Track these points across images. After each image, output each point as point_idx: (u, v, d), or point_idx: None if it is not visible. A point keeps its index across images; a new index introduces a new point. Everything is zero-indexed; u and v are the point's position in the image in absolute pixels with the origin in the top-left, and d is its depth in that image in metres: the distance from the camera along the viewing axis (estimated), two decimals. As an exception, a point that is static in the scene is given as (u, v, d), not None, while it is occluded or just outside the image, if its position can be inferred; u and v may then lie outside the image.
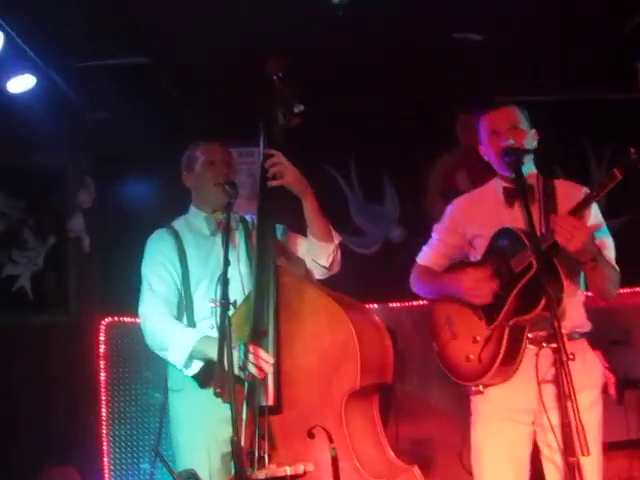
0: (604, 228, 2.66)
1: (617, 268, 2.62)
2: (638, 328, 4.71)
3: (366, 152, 4.71)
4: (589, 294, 2.70)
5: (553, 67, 4.34)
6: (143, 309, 2.71)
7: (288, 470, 2.22)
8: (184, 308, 2.72)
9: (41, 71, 3.82)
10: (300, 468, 2.23)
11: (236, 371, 2.28)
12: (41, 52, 3.74)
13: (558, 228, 2.38)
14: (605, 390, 2.77)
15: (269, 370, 2.30)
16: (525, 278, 2.47)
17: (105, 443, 4.18)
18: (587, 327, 2.67)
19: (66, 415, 4.25)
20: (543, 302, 2.37)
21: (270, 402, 2.30)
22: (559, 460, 2.49)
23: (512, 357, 2.54)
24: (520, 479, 2.62)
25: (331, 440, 2.25)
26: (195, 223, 2.84)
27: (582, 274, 2.65)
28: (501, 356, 2.53)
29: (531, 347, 2.54)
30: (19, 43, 3.56)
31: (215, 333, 2.24)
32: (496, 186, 2.77)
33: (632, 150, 2.31)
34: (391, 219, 4.83)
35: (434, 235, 2.90)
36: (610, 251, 2.65)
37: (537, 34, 3.90)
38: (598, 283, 2.59)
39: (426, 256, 2.90)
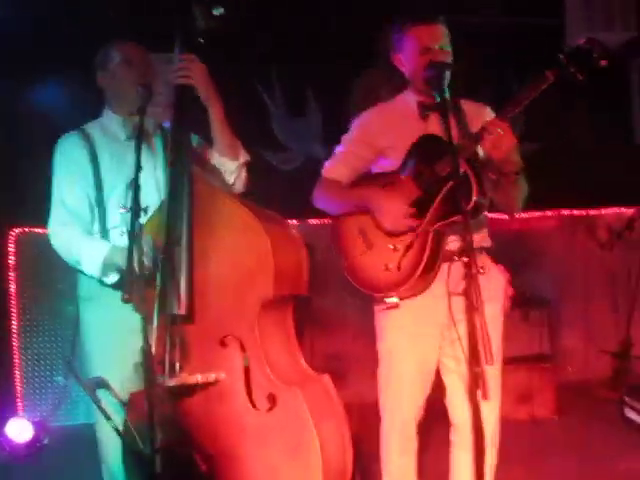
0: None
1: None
2: (545, 251, 4.91)
3: (289, 65, 4.60)
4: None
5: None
6: (53, 225, 2.63)
7: (199, 378, 2.22)
8: (97, 216, 2.64)
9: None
10: (211, 376, 2.24)
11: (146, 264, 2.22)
12: None
13: (486, 134, 2.39)
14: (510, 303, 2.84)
15: None
16: (449, 183, 2.44)
17: (17, 356, 4.10)
18: (489, 242, 2.73)
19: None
20: (472, 204, 2.39)
21: (182, 311, 2.28)
22: (464, 371, 2.54)
23: (433, 263, 2.55)
24: (424, 392, 2.69)
25: (243, 349, 2.26)
26: (109, 127, 2.73)
27: None
28: (424, 262, 2.52)
29: (445, 262, 2.56)
30: None
31: (125, 240, 2.18)
32: (408, 100, 2.74)
33: (561, 55, 2.36)
34: (313, 134, 4.78)
35: (341, 147, 2.82)
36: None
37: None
38: (511, 196, 2.61)
39: (333, 169, 2.81)
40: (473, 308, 2.27)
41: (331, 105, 4.72)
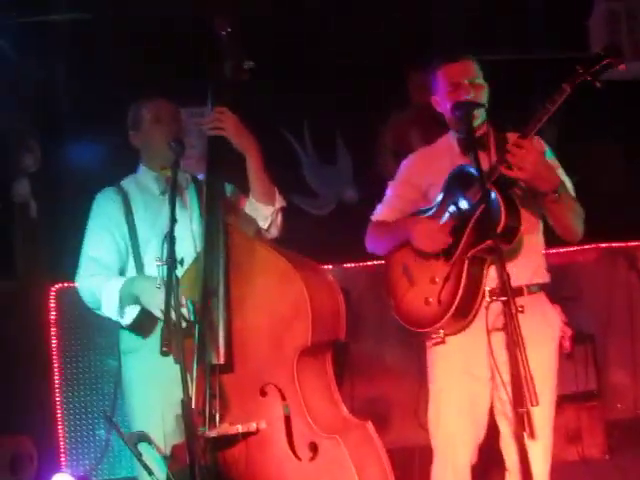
0: (560, 170, 2.64)
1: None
2: (587, 285, 4.82)
3: (319, 113, 4.66)
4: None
5: (505, 25, 4.34)
6: (80, 275, 2.69)
7: (240, 428, 2.22)
8: (135, 270, 2.68)
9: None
10: (252, 426, 2.23)
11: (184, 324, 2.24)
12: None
13: (508, 155, 2.39)
14: (560, 344, 2.79)
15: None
16: (479, 208, 2.45)
17: (59, 411, 4.12)
18: (546, 277, 2.67)
19: (17, 384, 4.16)
20: (502, 225, 2.38)
21: (221, 360, 2.28)
22: (509, 412, 2.50)
23: (470, 298, 2.53)
24: (477, 434, 2.63)
25: (283, 397, 2.25)
26: (144, 182, 2.79)
27: (541, 223, 2.65)
28: (460, 294, 2.50)
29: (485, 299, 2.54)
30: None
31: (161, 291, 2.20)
32: (450, 139, 2.77)
33: (579, 67, 2.35)
34: (344, 180, 4.82)
35: (388, 191, 2.88)
36: (570, 188, 2.63)
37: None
38: (563, 219, 2.57)
39: (381, 212, 2.87)
40: (514, 347, 2.24)
41: (361, 150, 4.76)
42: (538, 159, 2.40)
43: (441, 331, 2.59)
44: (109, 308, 2.57)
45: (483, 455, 2.65)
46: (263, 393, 2.27)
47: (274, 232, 2.72)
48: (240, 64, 2.53)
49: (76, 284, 2.68)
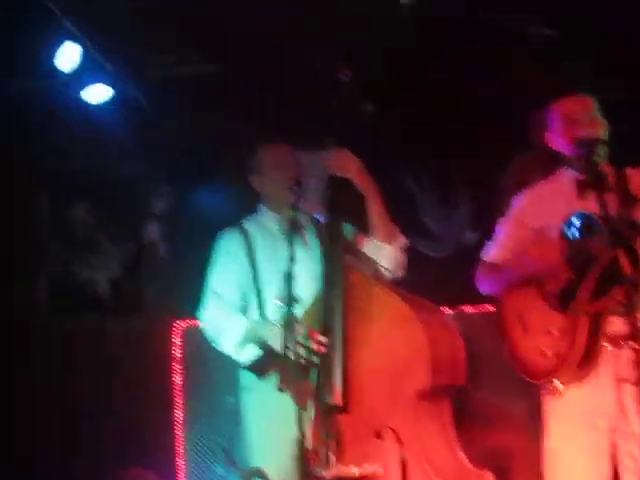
0: None
1: None
2: None
3: (440, 156, 4.64)
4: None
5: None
6: (202, 310, 2.79)
7: (356, 471, 2.19)
8: (257, 308, 2.75)
9: (116, 82, 3.95)
10: (368, 469, 2.21)
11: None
12: (116, 62, 3.86)
13: None
14: None
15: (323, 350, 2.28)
16: (605, 260, 2.36)
17: (180, 445, 4.23)
18: None
19: (142, 419, 4.31)
20: (619, 288, 2.28)
21: (337, 401, 2.28)
22: None
23: (591, 349, 2.42)
24: None
25: (400, 441, 2.21)
26: (266, 223, 2.88)
27: None
28: (580, 349, 2.40)
29: (609, 346, 2.43)
30: (94, 55, 3.70)
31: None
32: (566, 177, 2.68)
33: None
34: (465, 223, 4.75)
35: (499, 229, 2.81)
36: None
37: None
38: None
39: (491, 252, 2.79)
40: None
41: (482, 190, 4.68)
42: None
43: (559, 383, 2.48)
44: (229, 341, 2.65)
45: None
46: (379, 436, 2.25)
47: (399, 271, 2.72)
48: (360, 110, 2.58)
49: (199, 317, 2.78)
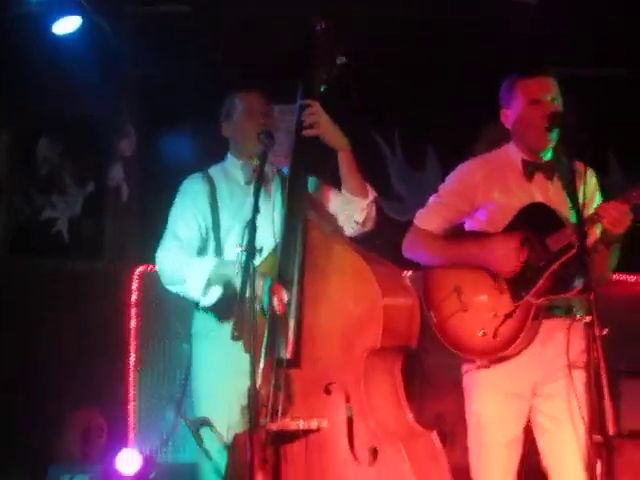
0: None
1: None
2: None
3: (411, 118, 4.62)
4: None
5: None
6: (162, 252, 2.73)
7: (301, 424, 2.21)
8: (213, 255, 2.73)
9: (86, 13, 3.83)
10: (313, 424, 2.22)
11: (257, 306, 2.25)
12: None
13: (607, 215, 2.36)
14: None
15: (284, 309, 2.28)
16: (564, 257, 2.39)
17: (132, 389, 4.23)
18: None
19: (94, 361, 4.30)
20: (581, 284, 2.29)
21: (289, 355, 2.28)
22: (563, 432, 2.46)
23: (532, 336, 2.49)
24: (518, 458, 2.57)
25: (348, 398, 2.23)
26: (231, 171, 2.84)
27: None
28: (524, 333, 2.45)
29: (561, 319, 2.48)
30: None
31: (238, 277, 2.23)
32: (512, 155, 2.66)
33: None
34: (431, 187, 4.74)
35: (437, 197, 2.74)
36: None
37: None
38: (607, 267, 2.56)
39: (428, 219, 2.72)
40: (596, 372, 2.15)
41: (450, 157, 4.67)
42: (630, 222, 2.38)
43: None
44: (194, 285, 2.60)
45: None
46: (328, 391, 2.26)
47: (369, 224, 2.72)
48: (333, 61, 2.53)
49: (156, 257, 2.73)
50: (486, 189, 2.64)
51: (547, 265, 2.44)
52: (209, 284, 2.58)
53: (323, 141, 2.56)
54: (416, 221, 2.76)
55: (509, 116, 2.65)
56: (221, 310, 2.63)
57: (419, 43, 4.17)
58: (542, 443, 2.55)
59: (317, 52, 2.54)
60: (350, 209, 2.67)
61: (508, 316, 2.48)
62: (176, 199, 2.82)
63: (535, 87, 2.59)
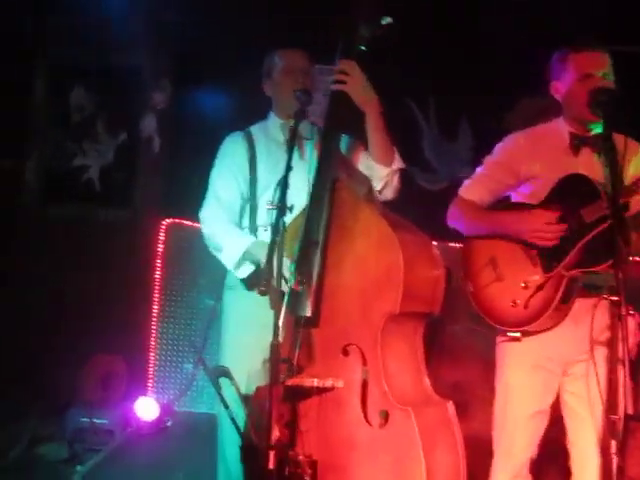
0: None
1: None
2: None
3: (447, 88, 4.55)
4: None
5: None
6: (204, 213, 2.79)
7: (315, 382, 2.23)
8: (249, 212, 2.77)
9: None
10: (328, 382, 2.23)
11: (284, 284, 2.27)
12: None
13: None
14: None
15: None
16: (596, 230, 2.35)
17: (153, 339, 4.29)
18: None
19: (120, 309, 4.37)
20: (612, 259, 2.24)
21: (308, 313, 2.30)
22: (588, 414, 2.44)
23: (562, 308, 2.45)
24: (541, 432, 2.57)
25: (364, 361, 2.24)
26: (271, 129, 2.85)
27: None
28: (554, 305, 2.43)
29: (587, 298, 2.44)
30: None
31: (269, 235, 2.24)
32: (560, 129, 2.61)
33: None
34: (463, 158, 4.70)
35: (483, 169, 2.73)
36: None
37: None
38: None
39: (471, 190, 2.72)
40: (616, 351, 2.14)
41: (484, 132, 4.61)
42: None
43: (518, 332, 2.52)
44: (228, 259, 2.67)
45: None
46: (345, 352, 2.27)
47: (389, 194, 2.68)
48: (376, 19, 2.47)
49: (200, 218, 2.79)
50: (531, 162, 2.61)
51: (579, 237, 2.41)
52: (241, 262, 2.64)
53: (353, 100, 2.52)
54: (460, 191, 2.77)
55: (560, 89, 2.61)
56: (254, 281, 2.66)
57: (454, 12, 4.10)
58: (569, 423, 2.55)
59: (360, 10, 2.49)
60: (371, 174, 2.65)
61: (539, 287, 2.46)
62: (217, 158, 2.84)
63: (587, 62, 2.54)
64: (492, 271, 2.59)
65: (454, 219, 2.75)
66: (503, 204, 2.71)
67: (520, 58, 4.31)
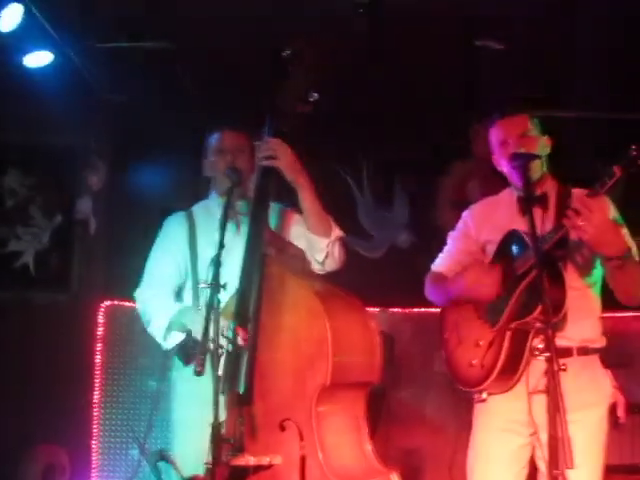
0: (625, 231, 2.51)
1: None
2: (637, 353, 4.61)
3: (379, 156, 4.67)
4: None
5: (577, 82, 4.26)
6: (138, 290, 2.82)
7: (252, 460, 2.17)
8: (191, 290, 2.77)
9: (59, 48, 3.85)
10: (265, 460, 2.18)
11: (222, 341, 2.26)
12: (60, 29, 3.76)
13: (569, 214, 2.27)
14: (613, 411, 2.66)
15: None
16: (526, 280, 2.41)
17: (95, 426, 4.17)
18: (601, 343, 2.59)
19: (59, 396, 4.23)
20: (540, 307, 2.28)
21: (241, 390, 2.27)
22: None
23: (513, 364, 2.48)
24: None
25: (302, 435, 2.20)
26: (211, 207, 2.89)
27: (598, 284, 2.57)
28: (501, 361, 2.47)
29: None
30: (39, 18, 3.59)
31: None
32: (510, 195, 2.71)
33: (633, 147, 2.20)
34: (399, 224, 4.79)
35: (448, 242, 2.87)
36: (635, 252, 2.49)
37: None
38: (625, 285, 2.45)
39: (440, 263, 2.86)
40: (553, 408, 2.15)
41: (418, 194, 4.73)
42: (604, 221, 2.27)
43: (484, 393, 2.57)
44: (156, 329, 2.69)
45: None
46: (282, 428, 2.22)
47: (332, 265, 2.69)
48: (304, 96, 2.50)
49: (135, 297, 2.81)
50: (486, 229, 2.71)
51: (514, 289, 2.46)
52: (170, 329, 2.64)
53: (284, 177, 2.56)
54: (432, 265, 2.89)
55: (496, 161, 2.71)
56: (185, 352, 2.66)
57: (386, 81, 4.23)
58: None
59: (287, 86, 2.50)
60: (311, 247, 2.67)
61: (490, 344, 2.51)
62: (157, 237, 2.87)
63: (502, 129, 2.64)
64: (456, 336, 2.67)
65: (427, 291, 2.85)
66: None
67: (452, 121, 4.47)
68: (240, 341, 2.28)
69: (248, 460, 2.16)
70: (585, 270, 2.51)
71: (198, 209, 2.89)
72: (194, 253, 2.77)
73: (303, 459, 2.18)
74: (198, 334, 2.43)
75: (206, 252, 2.71)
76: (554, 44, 3.85)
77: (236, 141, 2.85)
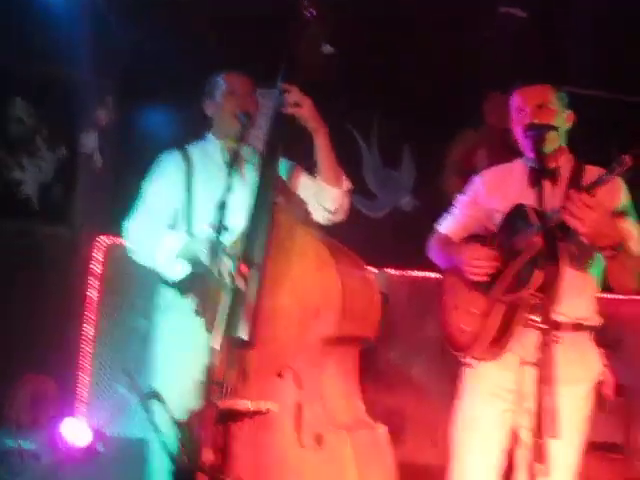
0: (632, 218, 2.53)
1: None
2: (628, 336, 4.67)
3: (391, 117, 4.64)
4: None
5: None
6: (131, 222, 2.73)
7: (250, 405, 2.20)
8: (185, 233, 2.72)
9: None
10: (262, 405, 2.21)
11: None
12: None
13: (568, 205, 2.26)
14: (600, 390, 2.73)
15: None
16: (522, 257, 2.42)
17: (85, 360, 4.20)
18: (594, 321, 2.60)
19: (53, 327, 4.25)
20: (534, 283, 2.32)
21: (245, 336, 2.28)
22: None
23: (502, 335, 2.51)
24: (496, 455, 2.58)
25: (299, 384, 2.23)
26: (210, 150, 2.85)
27: (597, 264, 2.56)
28: (493, 332, 2.50)
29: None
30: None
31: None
32: (523, 165, 2.70)
33: None
34: (404, 187, 4.79)
35: (456, 205, 2.87)
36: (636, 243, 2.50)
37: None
38: (616, 274, 2.49)
39: (446, 224, 2.86)
40: (543, 378, 2.18)
41: (425, 158, 4.72)
42: (601, 217, 2.25)
43: (473, 360, 2.60)
44: (162, 259, 2.61)
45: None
46: (280, 375, 2.26)
47: (340, 216, 2.73)
48: (318, 47, 2.50)
49: (126, 226, 2.73)
50: (495, 197, 2.70)
51: (509, 264, 2.48)
52: (178, 257, 2.59)
53: (302, 123, 2.54)
54: (437, 225, 2.89)
55: (513, 129, 2.67)
56: (186, 285, 2.63)
57: (403, 41, 4.19)
58: (517, 453, 2.56)
59: (303, 38, 2.51)
60: (322, 197, 2.67)
61: (484, 314, 2.52)
62: (151, 174, 2.81)
63: (523, 96, 2.61)
64: (452, 300, 2.69)
65: (430, 250, 2.86)
66: (468, 236, 2.77)
67: (463, 89, 4.44)
68: (239, 276, 2.27)
69: (246, 404, 2.19)
70: (584, 250, 2.51)
71: (195, 150, 2.84)
72: (190, 194, 2.73)
73: (299, 407, 2.21)
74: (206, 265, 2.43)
75: (203, 195, 2.71)
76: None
77: (246, 85, 2.83)
